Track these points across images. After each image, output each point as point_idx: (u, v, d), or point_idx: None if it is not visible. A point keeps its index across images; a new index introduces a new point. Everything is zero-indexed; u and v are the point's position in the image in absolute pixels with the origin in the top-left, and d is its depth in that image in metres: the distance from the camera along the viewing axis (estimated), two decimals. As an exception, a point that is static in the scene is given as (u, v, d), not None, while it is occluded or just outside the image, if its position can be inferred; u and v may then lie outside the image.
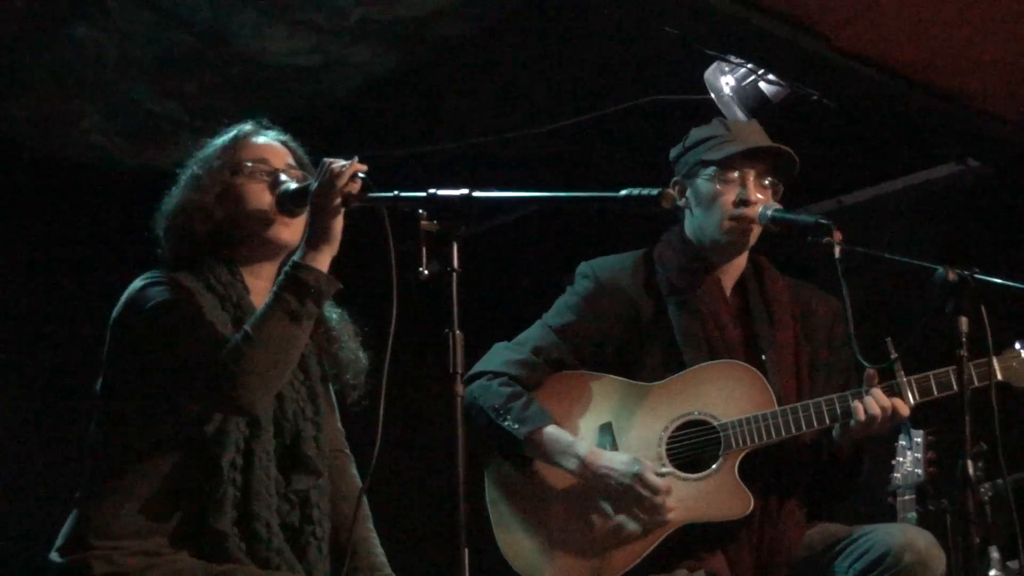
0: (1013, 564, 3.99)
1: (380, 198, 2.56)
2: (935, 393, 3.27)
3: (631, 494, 3.26)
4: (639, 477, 3.25)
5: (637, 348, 3.45)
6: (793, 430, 3.28)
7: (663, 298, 3.46)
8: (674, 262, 3.49)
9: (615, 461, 3.30)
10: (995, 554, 4.00)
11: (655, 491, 3.24)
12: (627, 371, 3.45)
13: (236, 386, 2.53)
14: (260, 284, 2.82)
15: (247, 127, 2.90)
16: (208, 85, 4.51)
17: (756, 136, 3.51)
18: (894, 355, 3.21)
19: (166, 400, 2.63)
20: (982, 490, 3.92)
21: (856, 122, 4.70)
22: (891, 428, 3.29)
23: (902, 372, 3.27)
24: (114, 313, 2.72)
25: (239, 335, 2.57)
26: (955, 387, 3.18)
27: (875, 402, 3.23)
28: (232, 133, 2.88)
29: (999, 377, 3.04)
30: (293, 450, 2.75)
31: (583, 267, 3.55)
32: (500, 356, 3.47)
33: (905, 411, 3.25)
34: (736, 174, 3.42)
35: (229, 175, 2.79)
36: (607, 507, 3.33)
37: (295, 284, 2.59)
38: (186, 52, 4.30)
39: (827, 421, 3.28)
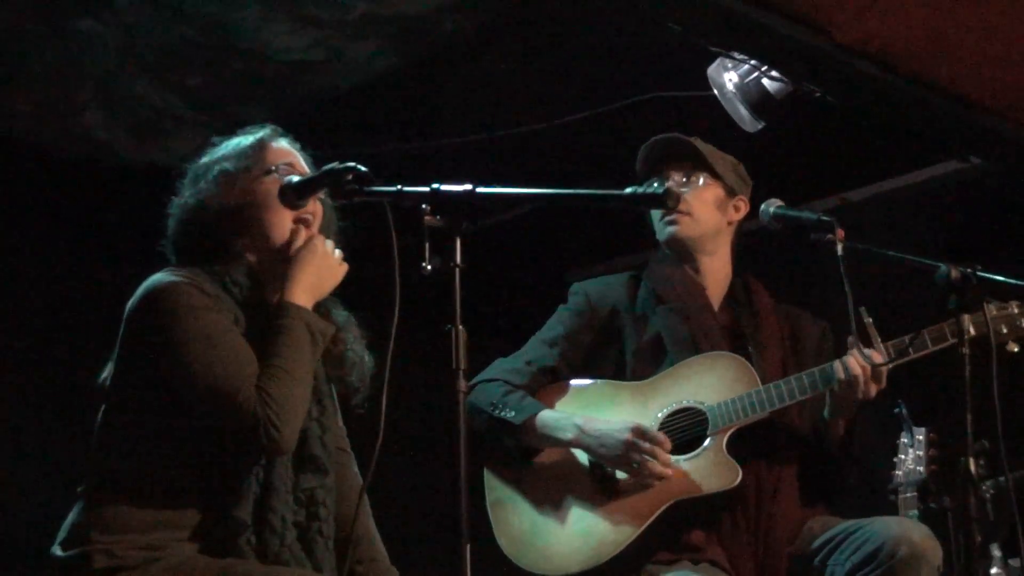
0: (1014, 562, 4.00)
1: (383, 192, 2.56)
2: (911, 353, 3.30)
3: (630, 450, 3.32)
4: (635, 429, 3.33)
5: (627, 354, 3.56)
6: (776, 403, 3.35)
7: (651, 308, 3.57)
8: (662, 276, 3.62)
9: (610, 422, 3.39)
10: (996, 552, 4.00)
11: (653, 440, 3.32)
12: (617, 378, 3.56)
13: (282, 423, 2.59)
14: (275, 284, 2.82)
15: (268, 130, 2.93)
16: (211, 80, 4.51)
17: (663, 147, 3.64)
18: (868, 319, 3.27)
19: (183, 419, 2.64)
20: (984, 488, 3.92)
21: (859, 119, 4.70)
22: (875, 389, 3.30)
23: (878, 337, 3.31)
24: (131, 306, 2.70)
25: (273, 370, 2.61)
26: (929, 346, 3.27)
27: (854, 361, 3.27)
28: (258, 135, 2.91)
29: (971, 333, 3.04)
30: (300, 449, 2.76)
31: (574, 287, 3.71)
32: (495, 367, 3.60)
33: (882, 367, 3.28)
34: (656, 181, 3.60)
35: (261, 174, 2.81)
36: (606, 477, 3.40)
37: (306, 323, 2.69)
38: (189, 46, 4.30)
39: (808, 391, 3.34)
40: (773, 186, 3.70)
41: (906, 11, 3.96)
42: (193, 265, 2.77)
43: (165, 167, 2.94)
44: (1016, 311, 3.27)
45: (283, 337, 2.67)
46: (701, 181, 3.60)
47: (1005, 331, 3.23)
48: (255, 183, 2.81)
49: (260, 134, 2.91)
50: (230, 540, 2.61)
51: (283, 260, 2.80)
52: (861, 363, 3.28)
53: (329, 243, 2.83)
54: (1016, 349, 3.22)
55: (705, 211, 3.59)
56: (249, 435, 2.58)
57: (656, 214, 3.65)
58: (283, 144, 2.92)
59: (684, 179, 3.60)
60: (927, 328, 3.27)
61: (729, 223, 3.65)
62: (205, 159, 2.91)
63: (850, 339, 3.29)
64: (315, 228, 2.85)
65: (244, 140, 2.90)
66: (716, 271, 3.63)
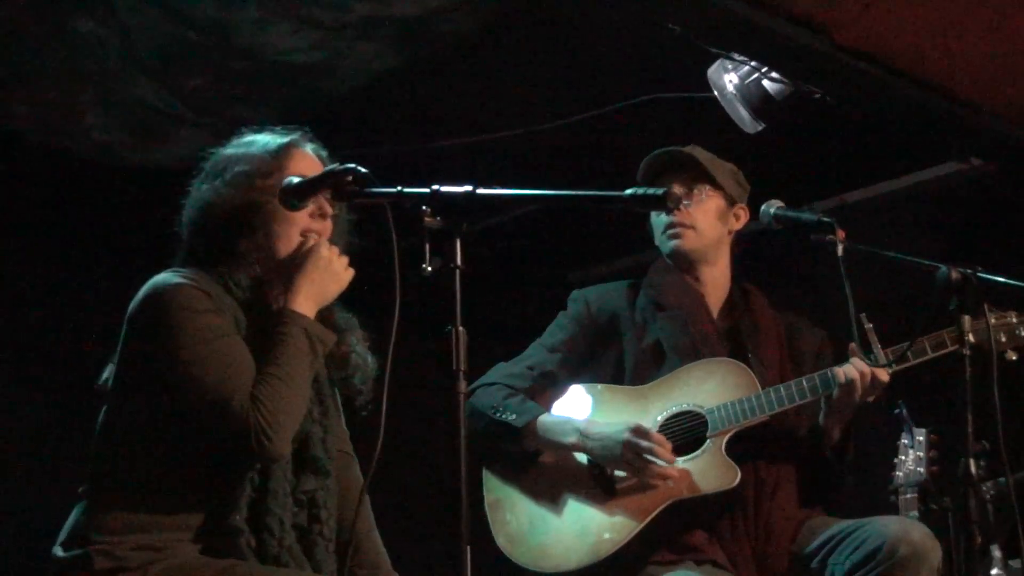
0: (1015, 563, 3.99)
1: (383, 194, 2.55)
2: (910, 360, 3.32)
3: (630, 449, 3.34)
4: (635, 429, 3.35)
5: (626, 360, 3.58)
6: (776, 407, 3.37)
7: (651, 315, 3.59)
8: (661, 284, 3.64)
9: (610, 425, 3.42)
10: (997, 553, 3.99)
11: (653, 439, 3.34)
12: (617, 383, 3.58)
13: (273, 432, 2.58)
14: (278, 289, 2.82)
15: (296, 136, 2.90)
16: (211, 81, 4.51)
17: (664, 160, 3.63)
18: (868, 325, 3.29)
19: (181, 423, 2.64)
20: (984, 489, 3.92)
21: (859, 120, 4.70)
22: (873, 396, 3.35)
23: (877, 343, 3.33)
24: (133, 307, 2.70)
25: (268, 378, 2.61)
26: (928, 352, 3.30)
27: (854, 367, 3.31)
28: (283, 141, 2.88)
29: (971, 340, 3.05)
30: (301, 452, 2.77)
31: (575, 293, 3.74)
32: (496, 372, 3.63)
33: (884, 376, 3.32)
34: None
35: (276, 186, 2.75)
36: (606, 477, 3.43)
37: (305, 331, 2.69)
38: (189, 48, 4.29)
39: (808, 395, 3.37)
40: (773, 187, 3.70)
41: (906, 11, 3.96)
42: (198, 264, 2.77)
43: (165, 168, 2.93)
44: (1015, 320, 3.30)
45: (281, 345, 2.67)
46: (703, 194, 3.61)
47: (1004, 339, 3.27)
48: (268, 194, 2.77)
49: (286, 140, 2.88)
50: (230, 542, 2.62)
51: (286, 269, 2.79)
52: (860, 369, 3.29)
53: (334, 249, 2.82)
54: (1015, 357, 3.25)
55: (708, 224, 3.60)
56: (241, 442, 2.57)
57: (659, 227, 3.65)
58: (307, 154, 2.89)
59: (686, 191, 3.60)
60: (926, 335, 3.28)
61: (730, 232, 3.67)
62: (230, 151, 2.89)
63: (851, 346, 3.31)
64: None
65: (270, 144, 2.87)
66: (716, 279, 3.65)
